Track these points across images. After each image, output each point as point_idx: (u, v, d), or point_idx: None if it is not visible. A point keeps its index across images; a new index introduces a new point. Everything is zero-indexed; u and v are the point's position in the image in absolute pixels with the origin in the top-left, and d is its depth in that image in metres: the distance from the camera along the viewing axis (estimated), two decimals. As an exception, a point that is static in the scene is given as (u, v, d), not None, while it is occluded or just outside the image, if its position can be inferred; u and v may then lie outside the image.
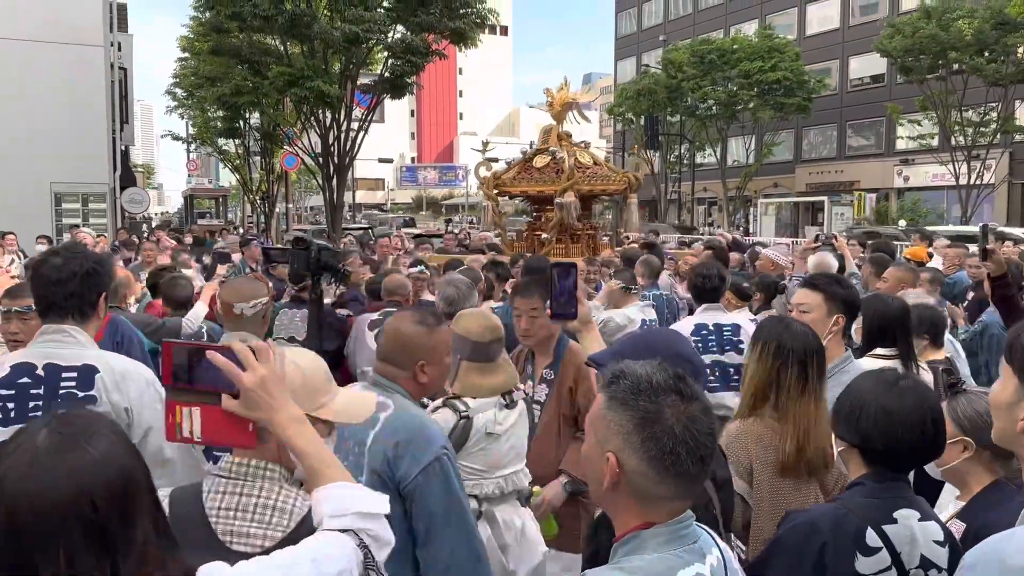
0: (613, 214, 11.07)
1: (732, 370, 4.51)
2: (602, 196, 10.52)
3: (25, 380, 2.50)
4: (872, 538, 1.91)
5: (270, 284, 3.87)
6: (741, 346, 4.48)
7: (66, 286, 2.55)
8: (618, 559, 1.43)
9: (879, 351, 3.39)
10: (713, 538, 1.54)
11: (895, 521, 1.93)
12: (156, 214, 47.82)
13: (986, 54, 26.90)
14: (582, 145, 10.01)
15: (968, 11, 27.57)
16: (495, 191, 9.68)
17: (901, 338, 3.41)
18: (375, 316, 4.98)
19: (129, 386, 2.56)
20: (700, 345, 4.46)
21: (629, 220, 10.75)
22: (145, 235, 15.52)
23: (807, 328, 2.68)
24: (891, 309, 3.49)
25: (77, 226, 14.99)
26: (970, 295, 7.04)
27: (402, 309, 4.83)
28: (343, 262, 4.29)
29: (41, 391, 2.50)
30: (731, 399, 4.22)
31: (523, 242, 9.90)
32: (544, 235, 9.41)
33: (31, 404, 2.49)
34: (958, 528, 2.11)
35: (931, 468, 2.27)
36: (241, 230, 29.03)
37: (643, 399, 1.40)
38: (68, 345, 2.56)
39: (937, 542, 1.94)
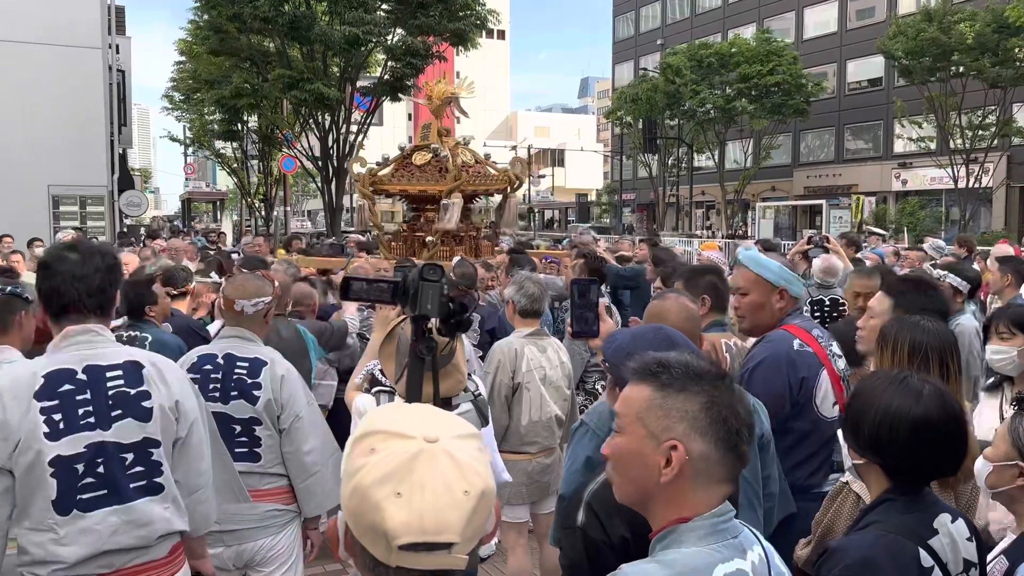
0: (495, 213, 10.29)
1: None
2: (484, 195, 9.89)
3: (67, 387, 2.27)
4: (925, 559, 1.74)
5: (276, 283, 3.63)
6: None
7: (89, 282, 2.34)
8: (656, 554, 1.41)
9: None
10: (756, 535, 1.49)
11: (936, 532, 1.79)
12: (154, 218, 47.70)
13: (987, 57, 26.90)
14: (462, 141, 9.31)
15: (969, 14, 27.65)
16: (371, 189, 8.86)
17: None
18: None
19: (171, 379, 2.45)
20: None
21: (508, 218, 9.83)
22: (143, 238, 15.46)
23: (940, 324, 2.60)
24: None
25: (80, 229, 14.90)
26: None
27: (307, 319, 4.88)
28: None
29: (88, 395, 2.28)
30: None
31: (400, 243, 9.14)
32: (430, 238, 8.73)
33: (80, 411, 2.27)
34: (1000, 567, 1.92)
35: (983, 487, 2.06)
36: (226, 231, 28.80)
37: (705, 383, 1.43)
38: (101, 344, 2.37)
39: (968, 539, 1.83)
